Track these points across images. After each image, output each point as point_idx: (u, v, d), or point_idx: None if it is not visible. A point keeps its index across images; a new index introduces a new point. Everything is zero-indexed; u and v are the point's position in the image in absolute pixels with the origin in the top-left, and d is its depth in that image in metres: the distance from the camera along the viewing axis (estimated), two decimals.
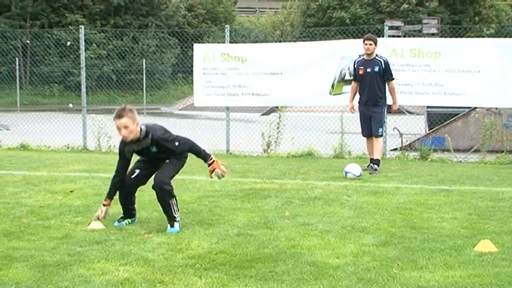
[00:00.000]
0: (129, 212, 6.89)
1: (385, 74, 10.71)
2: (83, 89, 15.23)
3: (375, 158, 10.73)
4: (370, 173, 10.36)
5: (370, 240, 6.07)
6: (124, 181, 6.76)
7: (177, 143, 6.70)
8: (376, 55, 10.78)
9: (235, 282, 4.88)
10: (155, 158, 6.69)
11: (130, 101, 31.71)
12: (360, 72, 10.79)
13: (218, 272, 5.10)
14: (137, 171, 6.81)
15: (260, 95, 14.09)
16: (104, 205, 6.65)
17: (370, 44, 10.68)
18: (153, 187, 6.58)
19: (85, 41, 15.53)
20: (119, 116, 6.36)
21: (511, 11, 48.54)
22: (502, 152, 12.60)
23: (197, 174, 10.42)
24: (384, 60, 10.75)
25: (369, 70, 10.69)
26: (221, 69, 14.17)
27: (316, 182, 9.57)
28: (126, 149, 6.64)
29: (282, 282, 4.85)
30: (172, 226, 6.50)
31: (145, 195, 8.44)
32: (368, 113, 10.75)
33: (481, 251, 5.64)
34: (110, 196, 6.71)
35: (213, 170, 6.71)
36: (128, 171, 6.79)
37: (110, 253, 5.61)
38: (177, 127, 15.85)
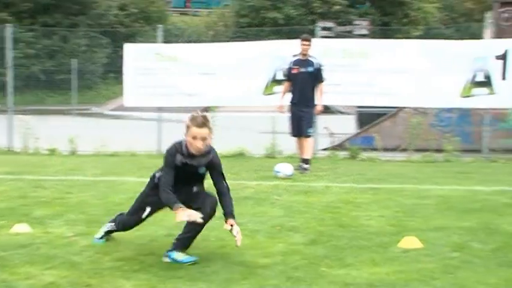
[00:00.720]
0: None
1: (317, 75, 10.80)
2: (10, 89, 14.83)
3: (304, 157, 10.83)
4: (301, 173, 10.46)
5: (299, 239, 6.13)
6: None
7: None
8: (310, 56, 10.89)
9: (164, 283, 4.84)
10: (189, 183, 5.65)
11: (59, 101, 31.06)
12: (294, 71, 10.88)
13: (147, 274, 5.05)
14: (148, 209, 5.77)
15: (192, 95, 14.04)
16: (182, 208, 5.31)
17: (308, 45, 10.82)
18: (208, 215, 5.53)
19: (12, 39, 15.13)
20: (203, 124, 5.48)
21: (438, 13, 49.79)
22: (428, 150, 12.92)
23: (127, 175, 10.32)
24: (317, 62, 10.89)
25: (302, 70, 10.79)
26: (153, 69, 14.04)
27: (247, 182, 9.60)
28: (176, 159, 5.55)
29: (211, 283, 4.84)
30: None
31: (73, 197, 8.30)
32: (298, 113, 10.82)
33: (406, 247, 5.77)
34: (177, 201, 5.35)
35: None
36: (134, 208, 5.82)
37: (35, 257, 5.48)
38: (108, 127, 15.65)
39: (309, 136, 10.89)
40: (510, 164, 12.21)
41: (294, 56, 11.08)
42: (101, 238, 6.01)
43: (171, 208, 5.35)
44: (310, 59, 10.86)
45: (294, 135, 11.11)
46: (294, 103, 10.93)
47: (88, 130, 15.09)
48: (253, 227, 6.60)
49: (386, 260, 5.42)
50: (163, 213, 7.17)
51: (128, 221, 5.88)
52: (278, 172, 10.02)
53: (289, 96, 11.08)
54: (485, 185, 9.40)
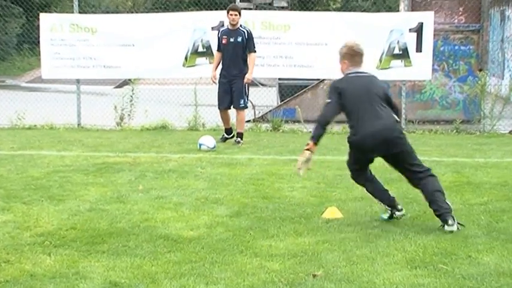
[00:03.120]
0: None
1: (248, 45, 10.68)
2: None
3: (238, 131, 10.77)
4: (235, 144, 10.52)
5: (223, 211, 6.16)
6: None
7: None
8: (240, 25, 10.80)
9: (87, 258, 4.79)
10: None
11: None
12: (223, 41, 10.71)
13: (69, 249, 4.98)
14: None
15: (112, 67, 13.75)
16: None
17: (236, 15, 10.66)
18: None
19: None
20: None
21: None
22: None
23: (46, 149, 10.07)
24: (247, 31, 10.74)
25: (232, 40, 10.64)
26: (70, 41, 13.64)
27: (170, 155, 9.54)
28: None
29: (135, 256, 4.82)
30: None
31: None
32: (229, 84, 10.69)
33: (328, 217, 5.90)
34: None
35: None
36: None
37: None
38: (25, 100, 15.19)
39: (242, 108, 10.79)
40: (426, 134, 12.59)
41: (225, 26, 10.99)
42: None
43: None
44: (240, 28, 10.74)
45: (222, 108, 10.92)
46: (223, 74, 10.78)
47: (3, 102, 14.58)
48: (177, 200, 6.59)
49: (309, 231, 5.52)
50: (86, 188, 7.08)
51: None
52: (201, 145, 10.00)
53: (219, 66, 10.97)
54: None
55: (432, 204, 5.57)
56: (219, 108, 11.01)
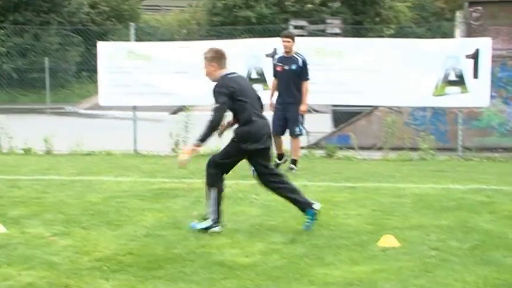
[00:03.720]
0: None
1: (302, 72, 10.59)
2: None
3: (293, 158, 10.72)
4: (289, 170, 10.47)
5: (278, 238, 6.14)
6: None
7: None
8: (295, 53, 10.72)
9: (144, 284, 4.83)
10: None
11: (33, 100, 30.69)
12: (278, 69, 10.69)
13: (126, 274, 5.03)
14: None
15: (167, 94, 13.95)
16: None
17: (288, 42, 10.59)
18: None
19: None
20: None
21: (409, 13, 50.19)
22: (403, 149, 13.01)
23: (103, 174, 10.25)
24: (302, 59, 10.62)
25: (286, 68, 10.59)
26: (126, 68, 13.92)
27: (225, 181, 9.54)
28: None
29: (191, 283, 4.84)
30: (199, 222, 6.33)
31: (49, 196, 8.23)
32: (283, 112, 10.62)
33: (385, 246, 5.82)
34: None
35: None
36: None
37: (13, 257, 5.42)
38: (84, 127, 15.52)
39: (296, 135, 10.74)
40: (484, 162, 12.35)
41: (280, 53, 10.97)
42: None
43: None
44: (294, 56, 10.68)
45: (275, 134, 10.90)
46: (278, 101, 10.73)
47: (63, 129, 14.94)
48: (232, 226, 6.60)
49: (365, 259, 5.46)
50: (142, 214, 7.18)
51: None
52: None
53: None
54: (461, 183, 9.48)
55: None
56: (272, 134, 10.97)
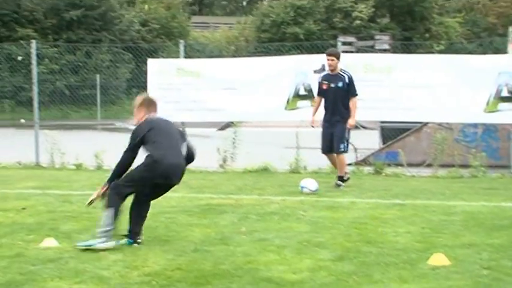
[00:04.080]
0: None
1: (349, 89, 10.53)
2: (35, 104, 14.98)
3: (338, 174, 10.69)
4: (336, 187, 10.46)
5: (326, 255, 6.11)
6: None
7: None
8: (341, 70, 10.67)
9: None
10: None
11: (84, 116, 31.31)
12: (324, 87, 10.66)
13: None
14: None
15: (215, 110, 14.06)
16: None
17: (332, 60, 10.55)
18: None
19: (37, 55, 15.31)
20: None
21: (460, 28, 49.61)
22: (454, 166, 12.82)
23: None
24: (348, 76, 10.57)
25: (332, 85, 10.53)
26: (176, 84, 14.10)
27: (272, 197, 9.59)
28: None
29: None
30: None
31: (100, 211, 8.33)
32: (330, 129, 10.58)
33: (435, 264, 5.73)
34: None
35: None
36: None
37: (64, 271, 5.52)
38: None
39: (341, 152, 10.67)
40: None
41: (325, 71, 10.95)
42: None
43: None
44: (340, 73, 10.62)
45: (323, 152, 10.94)
46: (326, 119, 10.69)
47: (113, 145, 15.12)
48: (279, 243, 6.59)
49: (414, 277, 5.38)
50: (190, 229, 7.23)
51: None
52: (303, 187, 10.01)
53: (321, 111, 10.92)
54: None
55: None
56: (322, 152, 10.99)
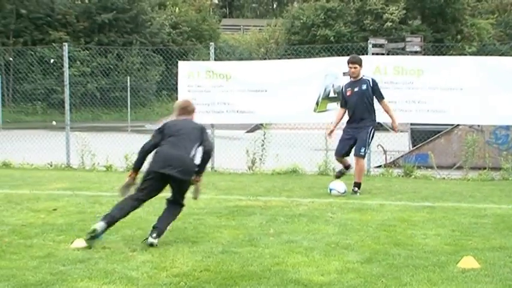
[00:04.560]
0: None
1: (375, 93, 10.31)
2: (67, 107, 15.17)
3: (356, 181, 10.32)
4: (353, 194, 10.18)
5: (354, 257, 6.08)
6: None
7: None
8: (363, 76, 10.43)
9: None
10: None
11: (114, 118, 31.61)
12: (348, 94, 10.38)
13: None
14: None
15: (245, 112, 14.10)
16: None
17: (355, 68, 10.29)
18: None
19: (69, 58, 15.49)
20: None
21: (492, 30, 49.07)
22: (485, 168, 12.68)
23: None
24: (371, 79, 10.38)
25: (356, 90, 10.28)
26: (206, 87, 14.17)
27: (300, 199, 9.58)
28: None
29: None
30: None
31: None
32: (353, 132, 10.28)
33: (464, 267, 5.67)
34: None
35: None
36: None
37: (93, 272, 5.57)
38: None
39: (361, 156, 10.32)
40: None
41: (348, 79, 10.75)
42: None
43: None
44: (363, 78, 10.36)
45: (338, 155, 10.50)
46: (350, 123, 10.43)
47: None
48: (307, 245, 6.59)
49: (444, 280, 5.34)
50: (218, 231, 7.25)
51: None
52: (332, 190, 9.97)
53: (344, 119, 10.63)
54: None
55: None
56: (336, 154, 10.68)
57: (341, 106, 10.77)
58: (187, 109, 7.40)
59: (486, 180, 12.25)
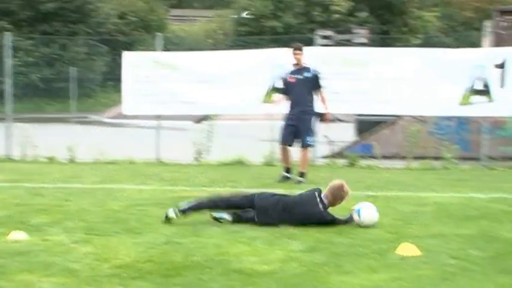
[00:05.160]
0: None
1: (316, 82, 10.53)
2: (8, 97, 14.84)
3: (301, 170, 10.46)
4: (297, 183, 10.24)
5: (297, 246, 6.12)
6: None
7: None
8: (305, 64, 10.68)
9: None
10: None
11: (58, 109, 31.07)
12: (291, 80, 10.56)
13: (145, 281, 5.04)
14: None
15: (192, 103, 14.05)
16: None
17: (300, 54, 10.57)
18: None
19: (11, 48, 15.15)
20: None
21: (437, 22, 49.92)
22: (426, 158, 12.93)
23: (125, 182, 10.32)
24: (312, 69, 10.60)
25: (299, 77, 10.50)
26: (152, 77, 14.06)
27: (246, 190, 9.57)
28: None
29: None
30: None
31: (72, 204, 8.31)
32: (297, 120, 10.46)
33: (405, 254, 5.77)
34: None
35: None
36: None
37: (33, 264, 5.46)
38: (107, 135, 15.65)
39: (308, 145, 10.54)
40: (508, 171, 12.22)
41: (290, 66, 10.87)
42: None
43: None
44: (305, 66, 10.62)
45: (284, 143, 10.64)
46: (291, 112, 10.57)
47: (87, 138, 15.11)
48: (251, 234, 6.59)
49: (384, 267, 5.41)
50: (161, 220, 7.21)
51: None
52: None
53: (285, 105, 10.76)
54: (483, 192, 9.41)
55: None
56: (280, 143, 10.77)
57: (283, 93, 10.86)
58: None
59: (428, 169, 12.50)
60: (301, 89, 10.46)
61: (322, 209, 6.94)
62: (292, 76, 10.59)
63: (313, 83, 10.53)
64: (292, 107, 10.57)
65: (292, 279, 5.08)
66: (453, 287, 4.87)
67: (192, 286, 4.93)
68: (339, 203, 7.06)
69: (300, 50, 10.65)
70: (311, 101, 10.52)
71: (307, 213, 6.93)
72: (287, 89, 10.72)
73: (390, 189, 9.62)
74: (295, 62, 10.63)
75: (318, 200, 6.98)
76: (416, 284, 4.94)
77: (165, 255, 5.82)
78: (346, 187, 7.05)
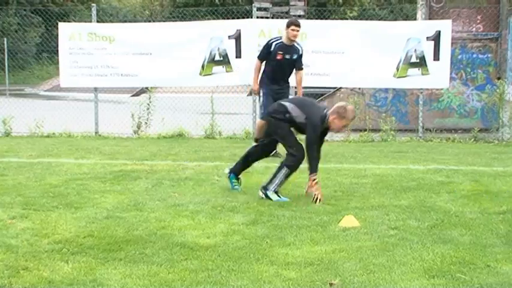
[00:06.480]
0: None
1: (298, 63, 9.95)
2: None
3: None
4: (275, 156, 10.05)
5: (240, 219, 6.15)
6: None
7: None
8: (297, 42, 9.94)
9: (104, 265, 4.80)
10: None
11: None
12: (278, 57, 9.82)
13: (86, 256, 4.99)
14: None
15: (129, 76, 13.85)
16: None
17: (298, 31, 9.74)
18: None
19: None
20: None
21: None
22: (365, 130, 13.13)
23: (64, 156, 10.14)
24: (301, 48, 9.96)
25: (287, 57, 9.82)
26: (88, 49, 13.78)
27: (186, 163, 9.56)
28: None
29: (152, 264, 4.82)
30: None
31: (8, 179, 8.13)
32: (276, 95, 9.74)
33: (345, 226, 5.87)
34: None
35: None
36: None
37: None
38: (44, 108, 15.31)
39: None
40: (444, 143, 12.54)
41: (278, 39, 9.95)
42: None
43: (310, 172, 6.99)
44: (295, 45, 9.88)
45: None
46: (271, 88, 9.96)
47: (22, 111, 14.72)
48: (194, 208, 6.60)
49: (325, 239, 5.50)
50: (103, 196, 7.12)
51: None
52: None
53: (263, 77, 10.08)
54: (420, 164, 9.64)
55: None
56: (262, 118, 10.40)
57: (259, 58, 10.05)
58: None
59: (366, 141, 12.70)
60: (287, 68, 9.91)
61: (319, 123, 7.11)
62: (281, 53, 9.81)
63: (297, 64, 9.98)
64: (274, 81, 9.97)
65: (235, 252, 5.12)
66: (393, 257, 4.98)
67: (134, 260, 4.91)
68: (338, 125, 7.18)
69: (299, 26, 9.82)
70: (288, 80, 10.08)
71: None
72: (270, 62, 9.95)
73: (330, 162, 9.73)
74: (289, 38, 9.75)
75: (325, 111, 7.24)
76: (357, 255, 5.04)
77: (107, 229, 5.77)
78: (351, 111, 7.20)
